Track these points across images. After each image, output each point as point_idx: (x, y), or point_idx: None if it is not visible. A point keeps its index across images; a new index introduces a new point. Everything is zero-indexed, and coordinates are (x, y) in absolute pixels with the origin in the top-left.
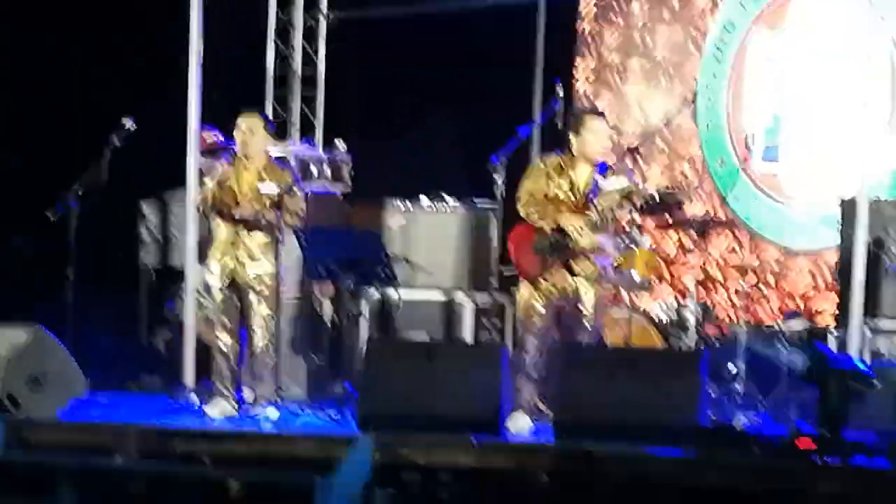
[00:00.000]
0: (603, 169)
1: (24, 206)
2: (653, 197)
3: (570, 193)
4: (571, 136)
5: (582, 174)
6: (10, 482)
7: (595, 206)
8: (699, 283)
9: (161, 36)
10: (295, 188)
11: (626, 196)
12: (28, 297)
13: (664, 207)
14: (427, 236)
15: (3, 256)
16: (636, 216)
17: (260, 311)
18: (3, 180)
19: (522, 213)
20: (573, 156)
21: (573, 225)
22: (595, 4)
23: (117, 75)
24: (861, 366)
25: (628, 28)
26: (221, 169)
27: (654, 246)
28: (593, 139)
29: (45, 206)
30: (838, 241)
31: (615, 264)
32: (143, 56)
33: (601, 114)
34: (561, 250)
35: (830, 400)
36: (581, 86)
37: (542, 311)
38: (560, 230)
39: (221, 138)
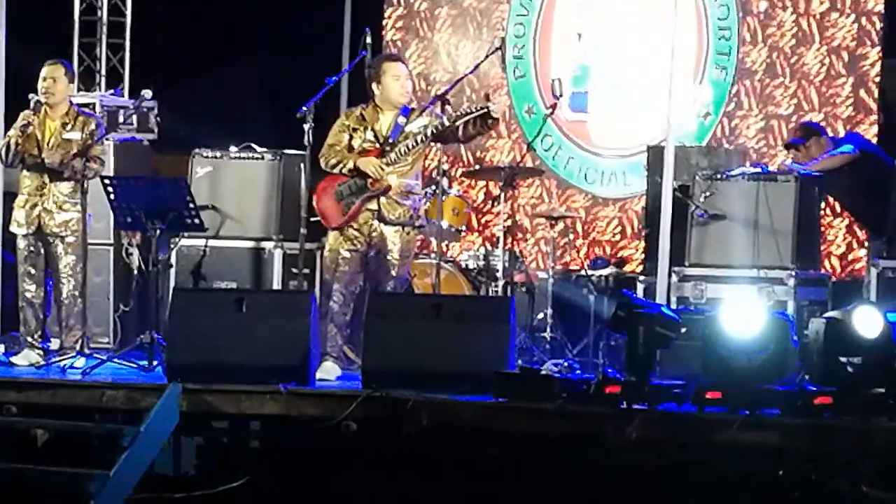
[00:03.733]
0: (406, 112)
1: None
2: (453, 117)
3: (374, 143)
4: (373, 86)
5: (386, 121)
6: None
7: (392, 146)
8: (507, 231)
9: None
10: (98, 134)
11: (431, 127)
12: None
13: (473, 123)
14: (235, 185)
15: None
16: (445, 165)
17: (66, 259)
18: None
19: (322, 164)
20: (376, 105)
21: (371, 164)
22: None
23: None
24: (668, 312)
25: None
26: (24, 115)
27: (462, 193)
28: (394, 84)
29: None
30: (645, 189)
31: (425, 208)
32: None
33: (399, 58)
34: (361, 191)
35: (637, 346)
36: (389, 35)
37: (348, 257)
38: (360, 173)
39: None
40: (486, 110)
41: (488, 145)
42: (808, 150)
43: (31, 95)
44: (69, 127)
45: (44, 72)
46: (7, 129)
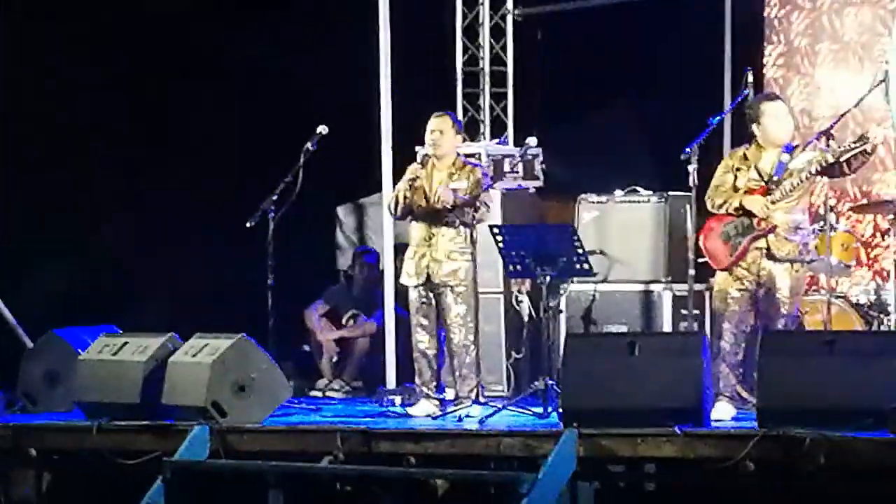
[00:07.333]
0: (789, 149)
1: (224, 215)
2: (837, 152)
3: (759, 181)
4: (753, 127)
5: (769, 159)
6: (218, 488)
7: (777, 184)
8: None
9: (351, 39)
10: (484, 184)
11: (815, 163)
12: (228, 305)
13: (854, 156)
14: (622, 229)
15: (205, 266)
16: (832, 201)
17: (457, 309)
18: (200, 189)
19: (708, 206)
20: (759, 145)
21: (757, 203)
22: None
23: (309, 82)
24: None
25: (815, 11)
26: (412, 169)
27: (850, 228)
28: (774, 124)
29: (246, 215)
30: None
31: (813, 244)
32: (334, 62)
33: (777, 97)
34: (748, 230)
35: None
36: (770, 72)
37: (738, 296)
38: (746, 212)
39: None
40: (868, 143)
41: (874, 178)
42: None
43: (417, 148)
44: (455, 177)
45: (431, 124)
46: (395, 182)
